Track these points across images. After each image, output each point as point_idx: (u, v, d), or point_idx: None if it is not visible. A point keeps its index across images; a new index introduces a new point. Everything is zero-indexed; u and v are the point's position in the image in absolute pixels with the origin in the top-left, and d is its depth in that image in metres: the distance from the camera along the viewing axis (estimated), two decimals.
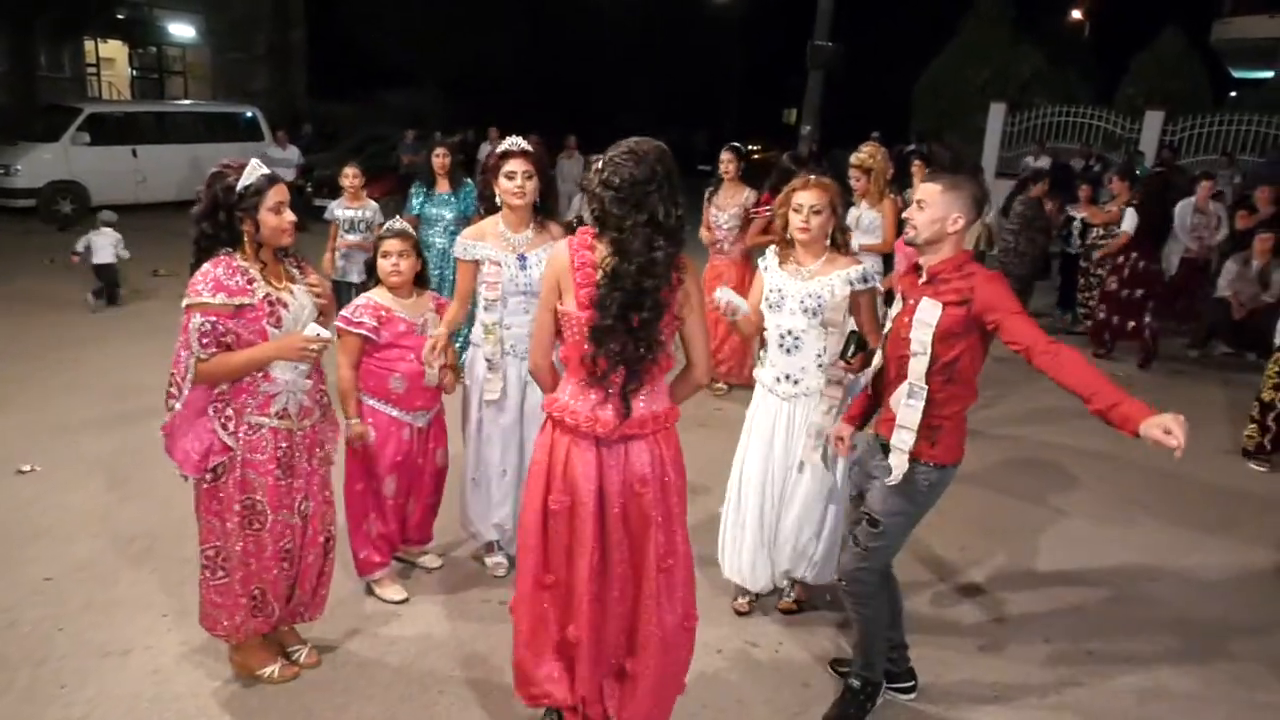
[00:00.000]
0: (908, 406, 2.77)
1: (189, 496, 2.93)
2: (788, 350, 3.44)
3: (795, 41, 20.68)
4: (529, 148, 3.59)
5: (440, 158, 6.50)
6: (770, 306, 3.46)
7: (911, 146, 12.77)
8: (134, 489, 4.49)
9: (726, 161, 6.37)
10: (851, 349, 3.22)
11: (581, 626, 2.62)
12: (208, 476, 2.82)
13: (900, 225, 6.09)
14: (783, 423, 3.47)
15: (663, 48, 29.97)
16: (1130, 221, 7.97)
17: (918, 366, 2.75)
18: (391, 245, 3.51)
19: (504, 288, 3.56)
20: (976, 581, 4.09)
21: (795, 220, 3.38)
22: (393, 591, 3.67)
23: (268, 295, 2.76)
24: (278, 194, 2.77)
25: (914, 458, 2.78)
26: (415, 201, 6.58)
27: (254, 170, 2.74)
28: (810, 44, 15.89)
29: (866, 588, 2.95)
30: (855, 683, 3.08)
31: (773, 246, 3.62)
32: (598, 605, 2.61)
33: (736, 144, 6.59)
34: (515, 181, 3.53)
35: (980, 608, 3.88)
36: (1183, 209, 9.10)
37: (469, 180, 6.66)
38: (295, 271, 2.94)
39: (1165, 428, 2.23)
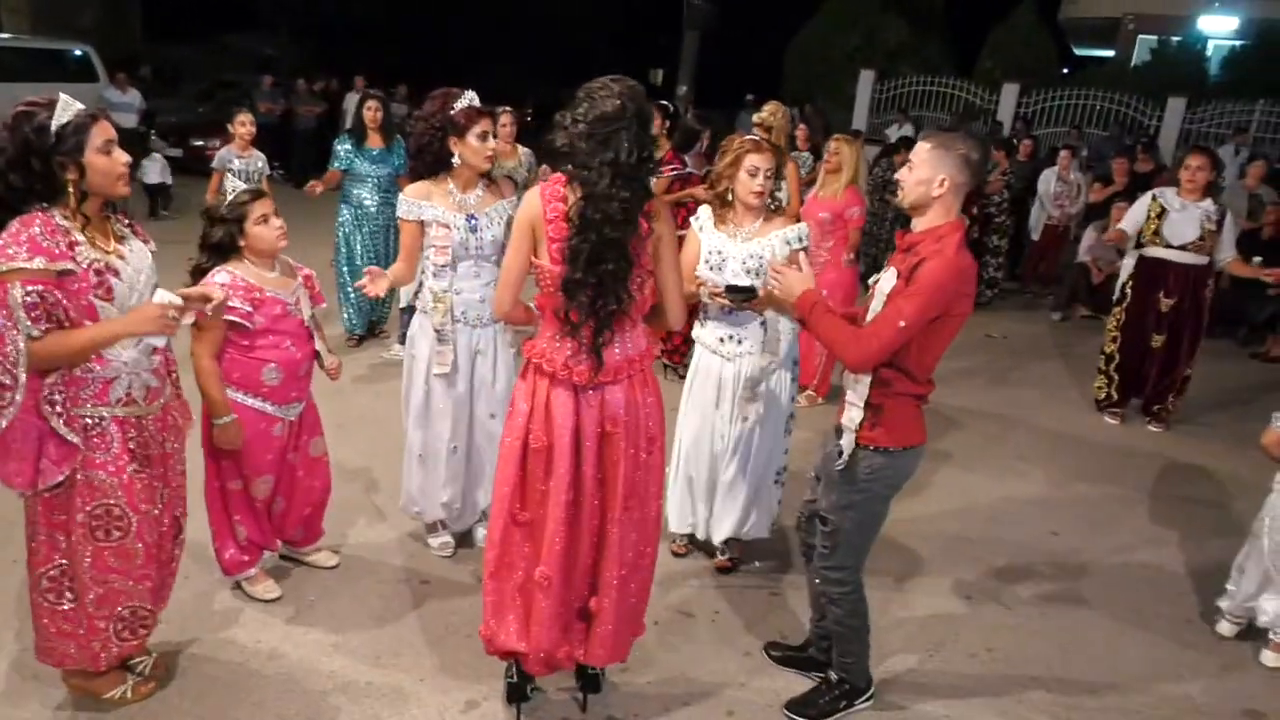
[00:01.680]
0: (857, 382, 2.64)
1: None
2: (730, 312, 3.40)
3: (664, 1, 20.55)
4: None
5: (372, 110, 5.95)
6: (711, 268, 3.41)
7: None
8: None
9: (658, 120, 6.17)
10: (741, 298, 3.19)
11: (553, 567, 2.57)
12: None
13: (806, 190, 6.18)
14: (728, 381, 3.48)
15: (530, 1, 29.19)
16: None
17: None
18: (266, 205, 2.99)
19: (454, 252, 3.28)
20: (889, 542, 4.14)
21: (751, 184, 3.32)
22: (265, 589, 3.29)
23: (94, 263, 2.28)
24: (103, 131, 2.29)
25: (857, 440, 2.62)
26: (342, 154, 6.00)
27: (68, 106, 2.25)
28: (686, 3, 15.83)
29: (838, 587, 2.80)
30: (834, 676, 2.96)
31: (705, 207, 3.56)
32: (570, 545, 2.58)
33: (665, 102, 6.41)
34: (489, 142, 3.28)
35: (896, 569, 3.92)
36: (1045, 178, 9.59)
37: (399, 136, 6.19)
38: (126, 231, 2.46)
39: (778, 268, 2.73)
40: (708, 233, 3.45)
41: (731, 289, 3.17)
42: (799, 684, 3.07)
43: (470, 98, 3.28)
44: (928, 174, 2.53)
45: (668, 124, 6.29)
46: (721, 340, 3.46)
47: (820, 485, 2.84)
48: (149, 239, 2.58)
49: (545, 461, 2.55)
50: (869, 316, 2.63)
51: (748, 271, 3.35)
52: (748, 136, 3.50)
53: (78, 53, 14.00)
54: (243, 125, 5.91)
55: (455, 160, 3.29)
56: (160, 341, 2.47)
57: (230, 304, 2.89)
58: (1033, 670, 3.29)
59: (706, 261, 3.41)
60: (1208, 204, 5.43)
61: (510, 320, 2.76)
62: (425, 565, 3.61)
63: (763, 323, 3.42)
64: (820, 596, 2.92)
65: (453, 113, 3.24)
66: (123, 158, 2.34)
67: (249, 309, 2.96)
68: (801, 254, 3.40)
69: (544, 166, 6.23)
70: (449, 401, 3.42)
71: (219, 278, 2.95)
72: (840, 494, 2.71)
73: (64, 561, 2.45)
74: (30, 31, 18.64)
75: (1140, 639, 3.55)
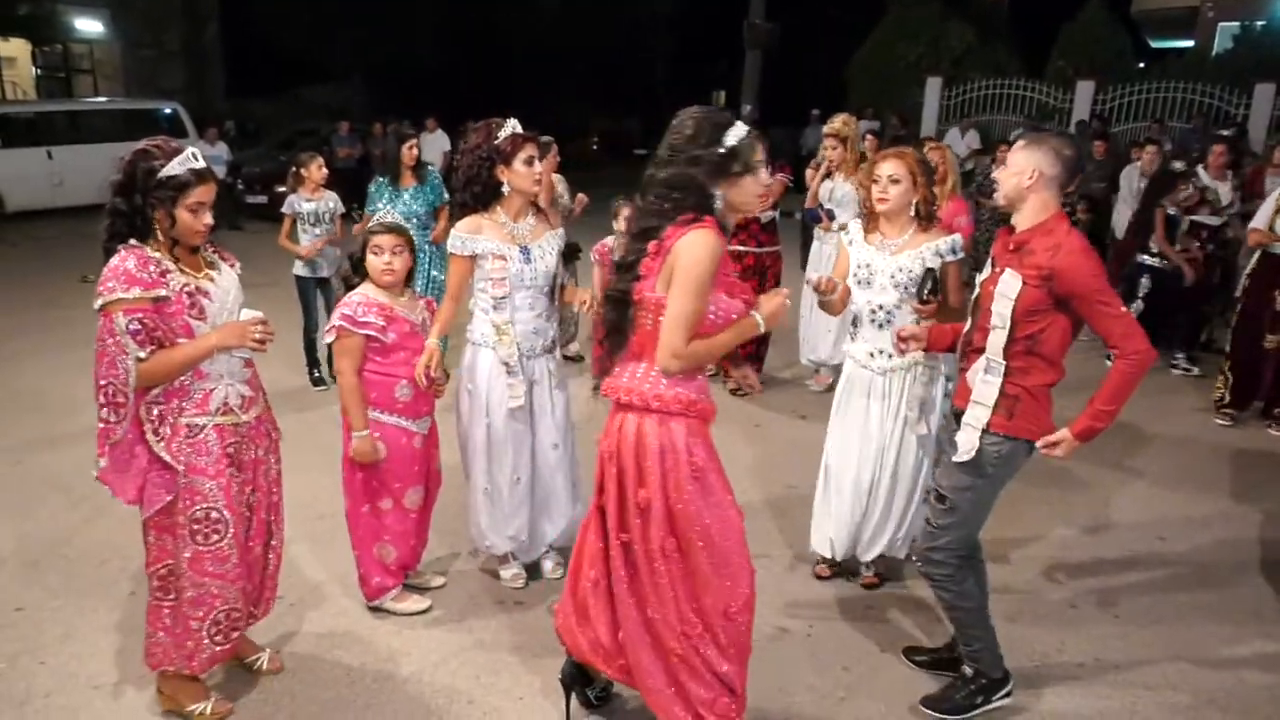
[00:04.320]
0: (984, 382, 2.65)
1: None
2: (880, 325, 3.39)
3: (722, 24, 20.65)
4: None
5: (411, 149, 6.13)
6: (859, 282, 3.39)
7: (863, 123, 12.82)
8: (96, 508, 4.14)
9: None
10: (929, 287, 3.20)
11: (599, 570, 2.59)
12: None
13: None
14: (879, 396, 3.44)
15: (590, 33, 29.65)
16: None
17: (996, 341, 2.62)
18: (384, 241, 3.16)
19: (511, 283, 3.30)
20: (992, 552, 4.03)
21: (875, 191, 3.34)
22: (412, 603, 3.40)
23: (185, 286, 2.51)
24: (203, 194, 2.50)
25: (986, 428, 2.65)
26: (380, 198, 6.12)
27: (185, 161, 2.47)
28: (746, 24, 15.86)
29: (941, 569, 2.81)
30: (968, 670, 2.92)
31: (857, 220, 3.58)
32: (603, 551, 2.58)
33: None
34: (536, 167, 3.30)
35: (996, 579, 3.79)
36: (1128, 174, 9.28)
37: (432, 171, 6.35)
38: (215, 258, 2.69)
39: (1051, 440, 2.60)
40: (857, 246, 3.44)
41: (922, 297, 3.22)
42: (901, 699, 3.01)
43: (513, 125, 3.30)
44: (1020, 167, 2.59)
45: None
46: (871, 355, 3.42)
47: (940, 468, 2.85)
48: (235, 260, 2.79)
49: None
50: (994, 320, 2.61)
51: (896, 285, 3.33)
52: (891, 148, 3.54)
53: (168, 111, 14.75)
54: (320, 169, 6.04)
55: (505, 189, 3.31)
56: (240, 353, 2.65)
57: (365, 319, 3.13)
58: (1146, 680, 3.16)
59: (854, 275, 3.40)
60: None
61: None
62: (521, 590, 3.63)
63: None
64: (928, 584, 2.90)
65: (498, 141, 3.26)
66: (206, 219, 2.53)
67: (382, 323, 3.14)
68: (956, 263, 3.36)
69: (580, 195, 6.27)
70: (511, 434, 3.42)
71: (354, 296, 3.19)
72: (963, 477, 2.74)
73: (171, 561, 2.65)
74: (123, 94, 19.72)
75: (1264, 648, 3.38)
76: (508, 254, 3.30)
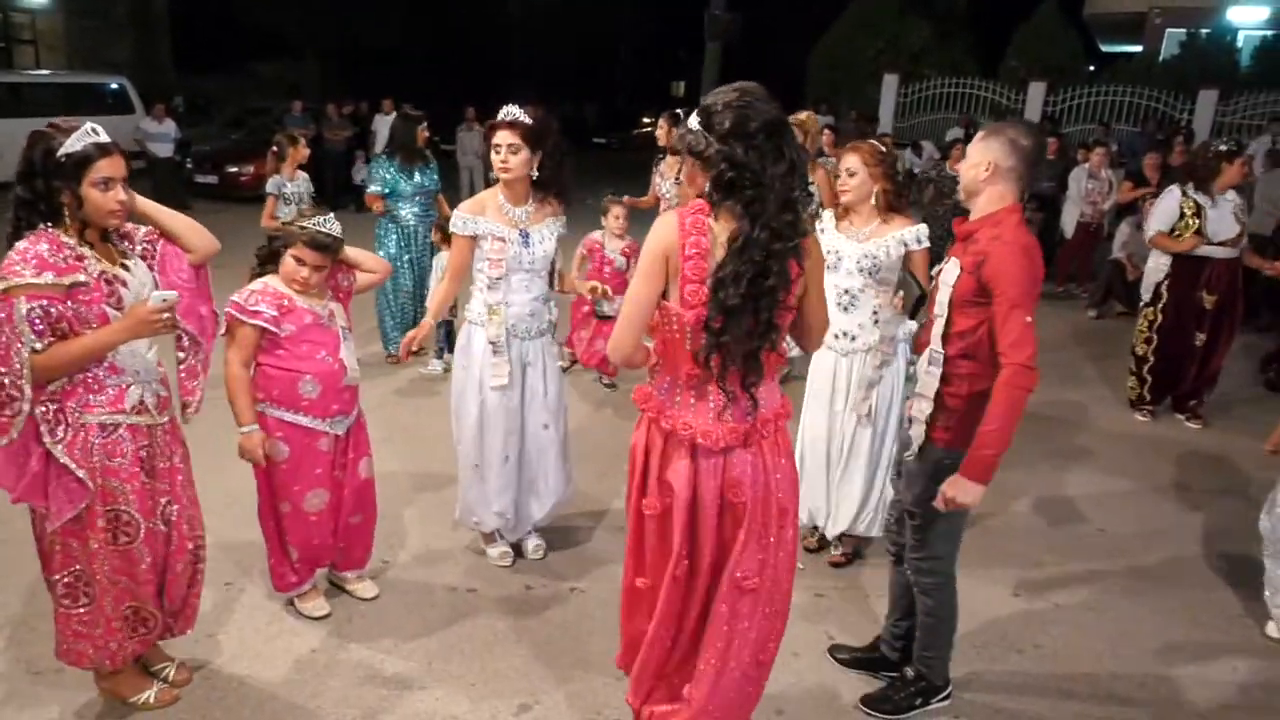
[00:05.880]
0: (927, 374, 2.65)
1: None
2: (845, 308, 3.52)
3: (683, 14, 20.66)
4: (521, 118, 3.32)
5: (423, 131, 6.10)
6: (828, 267, 3.48)
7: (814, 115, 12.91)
8: None
9: (665, 129, 6.27)
10: (920, 308, 3.39)
11: (657, 629, 2.39)
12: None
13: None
14: (841, 377, 3.59)
15: (551, 19, 29.47)
16: None
17: (937, 330, 2.62)
18: (308, 256, 2.96)
19: (507, 265, 3.34)
20: None
21: (838, 184, 3.50)
22: (315, 606, 3.28)
23: (103, 273, 2.37)
24: (109, 167, 2.34)
25: (929, 440, 2.64)
26: (386, 178, 6.00)
27: (83, 136, 2.32)
28: (708, 14, 15.86)
29: (930, 578, 2.79)
30: (910, 672, 2.95)
31: (829, 210, 3.70)
32: (675, 617, 2.39)
33: (677, 110, 6.49)
34: (499, 155, 3.32)
35: None
36: (1077, 175, 9.49)
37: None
38: (125, 247, 2.53)
39: (945, 495, 2.55)
40: (828, 234, 3.55)
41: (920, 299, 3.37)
42: (848, 684, 3.07)
43: (502, 112, 3.36)
44: (975, 159, 2.59)
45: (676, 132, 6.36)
46: (836, 336, 3.53)
47: (902, 480, 2.85)
48: (150, 253, 2.61)
49: (659, 528, 2.33)
50: (935, 309, 2.65)
51: (862, 271, 3.46)
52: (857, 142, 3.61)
53: (114, 86, 14.38)
54: (303, 151, 5.96)
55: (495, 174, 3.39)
56: (152, 352, 2.53)
57: (256, 308, 2.94)
58: (1083, 666, 3.27)
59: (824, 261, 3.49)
60: (1232, 195, 5.40)
61: (630, 365, 2.34)
62: (472, 576, 3.64)
63: (875, 318, 3.50)
64: (913, 588, 2.88)
65: (489, 125, 3.38)
66: (118, 196, 2.37)
67: (275, 313, 2.96)
68: (921, 252, 3.47)
69: None
70: (502, 413, 3.46)
71: (253, 285, 3.02)
72: (923, 487, 2.71)
73: (78, 567, 2.52)
74: (66, 67, 19.15)
75: (1192, 634, 3.51)
76: (507, 236, 3.35)
